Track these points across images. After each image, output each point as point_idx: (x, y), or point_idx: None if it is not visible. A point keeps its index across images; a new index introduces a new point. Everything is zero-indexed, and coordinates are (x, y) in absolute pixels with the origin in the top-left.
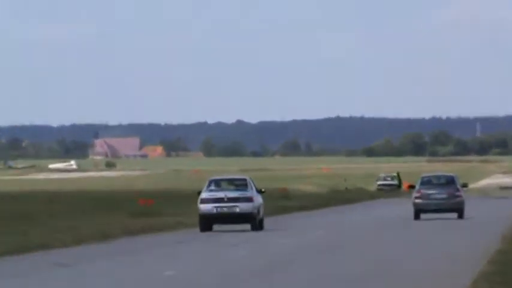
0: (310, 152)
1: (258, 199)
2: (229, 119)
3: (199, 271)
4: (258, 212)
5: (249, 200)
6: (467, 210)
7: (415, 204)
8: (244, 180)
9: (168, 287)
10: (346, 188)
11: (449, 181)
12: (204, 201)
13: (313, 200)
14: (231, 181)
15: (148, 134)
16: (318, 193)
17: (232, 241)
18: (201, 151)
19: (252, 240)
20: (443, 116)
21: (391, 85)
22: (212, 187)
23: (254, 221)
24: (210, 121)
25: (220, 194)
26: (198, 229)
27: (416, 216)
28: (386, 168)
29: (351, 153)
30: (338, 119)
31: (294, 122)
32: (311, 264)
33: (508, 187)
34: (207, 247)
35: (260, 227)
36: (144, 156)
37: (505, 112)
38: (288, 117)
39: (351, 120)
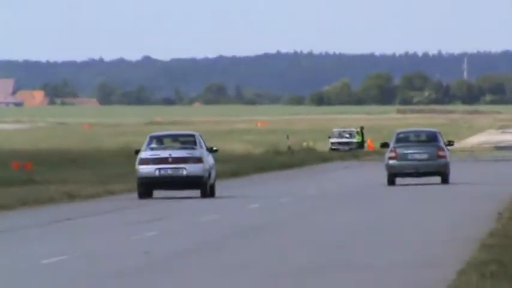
0: (241, 99)
1: (209, 160)
2: (133, 55)
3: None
4: (209, 175)
5: (199, 160)
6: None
7: (388, 167)
8: (192, 136)
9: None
10: (289, 148)
11: (431, 138)
12: (143, 161)
13: (246, 163)
14: (176, 138)
15: (25, 74)
16: (252, 154)
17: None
18: (95, 98)
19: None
20: (419, 52)
21: (348, 12)
22: (153, 145)
23: (204, 186)
24: (107, 58)
25: (164, 154)
26: (100, 200)
27: (391, 182)
28: (342, 121)
29: (295, 101)
30: (278, 56)
31: (220, 60)
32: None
33: (507, 147)
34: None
35: (211, 194)
36: (19, 104)
37: (501, 47)
38: (211, 53)
39: (296, 57)
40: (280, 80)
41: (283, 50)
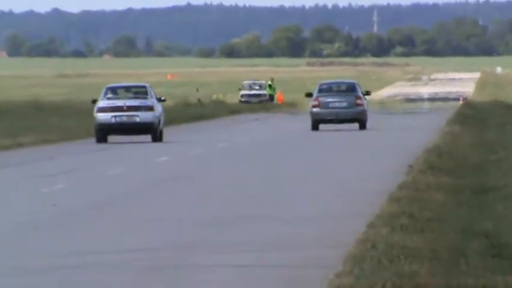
0: (150, 51)
1: (159, 108)
2: (43, 7)
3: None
4: (159, 122)
5: (150, 109)
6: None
7: (312, 114)
8: (144, 87)
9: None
10: (198, 101)
11: (350, 88)
12: (101, 110)
13: None
14: (129, 88)
15: None
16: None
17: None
18: (3, 50)
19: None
20: (329, 4)
21: None
22: (110, 95)
23: (155, 132)
24: (17, 10)
25: (119, 103)
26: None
27: (314, 127)
28: (252, 73)
29: (205, 53)
30: (188, 8)
31: (130, 12)
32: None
33: (415, 99)
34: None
35: (160, 139)
36: None
37: (411, 0)
38: (120, 6)
39: (206, 9)
40: (190, 32)
41: (194, 2)
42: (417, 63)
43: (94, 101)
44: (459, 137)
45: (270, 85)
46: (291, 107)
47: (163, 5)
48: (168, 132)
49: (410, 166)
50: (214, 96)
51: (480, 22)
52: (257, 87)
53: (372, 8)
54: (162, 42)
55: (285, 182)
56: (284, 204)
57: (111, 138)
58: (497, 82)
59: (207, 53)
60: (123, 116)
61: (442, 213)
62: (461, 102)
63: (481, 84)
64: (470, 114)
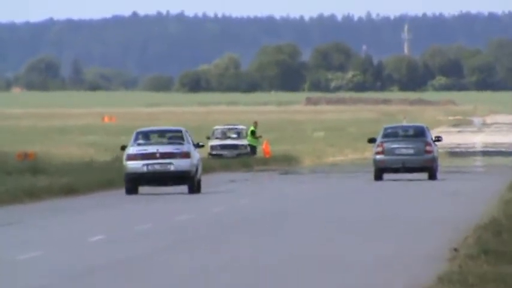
0: (79, 81)
1: (196, 155)
2: None
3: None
4: (197, 170)
5: (186, 155)
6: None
7: (376, 162)
8: (180, 131)
9: None
10: None
11: (419, 133)
12: (131, 157)
13: (86, 175)
14: (163, 133)
15: None
16: (96, 163)
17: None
18: None
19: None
20: (338, 15)
21: None
22: (140, 140)
23: (192, 181)
24: None
25: (152, 149)
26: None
27: (378, 176)
28: (227, 114)
29: (159, 85)
30: (133, 19)
31: (50, 25)
32: None
33: (463, 152)
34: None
35: (198, 190)
36: None
37: (457, 8)
38: (36, 15)
39: (160, 21)
40: (136, 55)
41: (142, 12)
42: (466, 100)
43: (123, 148)
44: None
45: (252, 131)
46: (282, 162)
47: (98, 16)
48: (101, 199)
49: (455, 249)
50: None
51: None
52: (234, 135)
53: (401, 20)
54: (96, 68)
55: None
56: None
57: (143, 189)
58: None
59: (162, 86)
60: (156, 164)
61: None
62: None
63: None
64: None
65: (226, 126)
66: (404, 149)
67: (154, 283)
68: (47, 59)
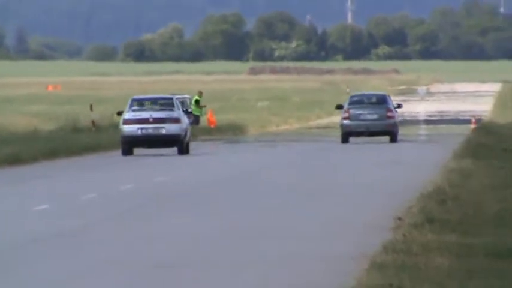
0: (23, 51)
1: (185, 120)
2: None
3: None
4: (186, 134)
5: (176, 121)
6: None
7: (343, 126)
8: (170, 99)
9: None
10: (93, 123)
11: (381, 100)
12: (127, 122)
13: (30, 145)
14: (155, 100)
15: None
16: (40, 132)
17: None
18: None
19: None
20: None
21: None
22: (135, 107)
23: (181, 144)
24: None
25: (145, 115)
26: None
27: (345, 140)
28: (171, 83)
29: (102, 54)
30: None
31: None
32: None
33: (407, 121)
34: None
35: (187, 151)
36: None
37: None
38: None
39: None
40: (80, 24)
41: None
42: (410, 69)
43: (119, 113)
44: (470, 175)
45: (196, 101)
46: (227, 131)
47: None
48: (46, 169)
49: (399, 219)
50: (115, 118)
51: (502, 10)
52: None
53: None
54: (40, 38)
55: (218, 245)
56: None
57: (137, 150)
58: None
59: (106, 55)
60: (149, 128)
61: (446, 287)
62: (473, 125)
63: (502, 100)
64: (487, 144)
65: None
66: (368, 114)
67: (93, 253)
68: None
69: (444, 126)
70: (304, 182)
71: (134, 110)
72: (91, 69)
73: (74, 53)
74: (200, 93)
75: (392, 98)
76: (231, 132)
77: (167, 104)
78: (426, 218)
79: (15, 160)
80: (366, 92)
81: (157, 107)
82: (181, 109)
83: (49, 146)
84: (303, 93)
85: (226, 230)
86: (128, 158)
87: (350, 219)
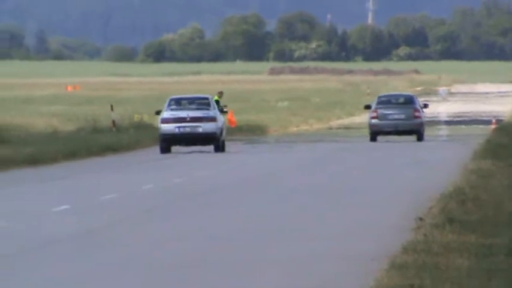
0: (43, 51)
1: (221, 119)
2: None
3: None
4: (221, 132)
5: (212, 119)
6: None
7: (371, 126)
8: (207, 99)
9: None
10: (113, 124)
11: (408, 101)
12: (165, 121)
13: (50, 145)
14: (192, 100)
15: None
16: (60, 133)
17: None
18: None
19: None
20: None
21: None
22: (173, 106)
23: (217, 142)
24: None
25: (183, 114)
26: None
27: (373, 138)
28: (191, 84)
29: (122, 55)
30: None
31: None
32: None
33: (428, 122)
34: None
35: (222, 149)
36: None
37: None
38: None
39: None
40: (100, 24)
41: None
42: (431, 69)
43: (158, 112)
44: (491, 176)
45: (216, 101)
46: (248, 132)
47: None
48: (65, 170)
49: (420, 219)
50: (136, 117)
51: None
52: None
53: None
54: (60, 38)
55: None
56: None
57: (175, 148)
58: None
59: (126, 55)
60: (187, 127)
61: (466, 287)
62: (493, 126)
63: None
64: (507, 144)
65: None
66: (396, 114)
67: (114, 254)
68: (10, 28)
69: (465, 126)
70: (326, 183)
71: (172, 109)
72: (110, 70)
73: (93, 54)
74: (220, 94)
75: None
76: (251, 132)
77: (204, 103)
78: (446, 218)
79: (34, 160)
80: (393, 93)
81: (194, 106)
82: (217, 108)
83: (68, 146)
84: (323, 94)
85: (255, 230)
86: (148, 155)
87: (371, 220)
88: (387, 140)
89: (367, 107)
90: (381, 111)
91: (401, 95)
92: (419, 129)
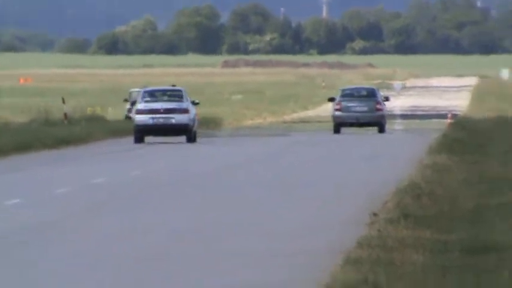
0: None
1: (193, 111)
2: None
3: None
4: (194, 124)
5: (185, 111)
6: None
7: (335, 117)
8: (180, 91)
9: None
10: (65, 116)
11: (370, 94)
12: (140, 111)
13: (2, 138)
14: (165, 92)
15: None
16: (11, 125)
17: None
18: None
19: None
20: None
21: None
22: (147, 98)
23: (190, 133)
24: None
25: (156, 105)
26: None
27: (336, 130)
28: (145, 77)
29: (74, 47)
30: None
31: None
32: None
33: (408, 114)
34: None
35: (194, 139)
36: None
37: None
38: None
39: None
40: (53, 16)
41: None
42: (385, 63)
43: (132, 103)
44: (446, 171)
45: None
46: (201, 125)
47: None
48: (17, 163)
49: (374, 214)
50: (89, 110)
51: (478, 4)
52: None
53: None
54: (12, 29)
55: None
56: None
57: (148, 139)
58: (502, 92)
59: (79, 47)
60: (160, 118)
61: (420, 283)
62: (449, 120)
63: (478, 95)
64: (463, 138)
65: (142, 89)
66: (358, 107)
67: (64, 248)
68: None
69: (420, 121)
70: (281, 176)
71: (146, 101)
72: (63, 62)
73: (46, 46)
74: (173, 87)
75: None
76: (205, 126)
77: (176, 95)
78: (401, 213)
79: None
80: (356, 86)
81: (167, 98)
82: (189, 100)
83: (20, 139)
84: (278, 87)
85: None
86: (101, 148)
87: (325, 214)
88: (349, 132)
89: (331, 99)
90: (345, 103)
91: (363, 88)
92: (381, 121)
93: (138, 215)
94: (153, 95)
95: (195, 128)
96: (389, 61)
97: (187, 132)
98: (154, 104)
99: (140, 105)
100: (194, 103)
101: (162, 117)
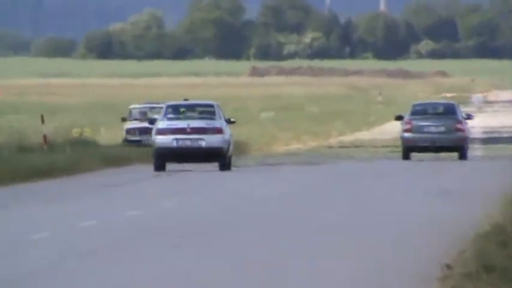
0: None
1: (228, 131)
2: None
3: None
4: (228, 147)
5: (218, 131)
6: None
7: (404, 140)
8: (211, 106)
9: None
10: (45, 139)
11: (449, 111)
12: (161, 132)
13: None
14: (194, 107)
15: None
16: None
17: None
18: None
19: None
20: None
21: None
22: (170, 115)
23: (224, 159)
24: None
25: (182, 124)
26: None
27: (406, 156)
28: (149, 89)
29: (57, 50)
30: None
31: None
32: None
33: (490, 138)
34: None
35: (228, 167)
36: None
37: None
38: None
39: None
40: (28, 10)
41: None
42: (461, 70)
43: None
44: None
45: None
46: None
47: None
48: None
49: (448, 266)
50: (75, 132)
51: None
52: (156, 116)
53: None
54: None
55: None
56: None
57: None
58: None
59: (62, 50)
60: (187, 140)
61: None
62: None
63: None
64: None
65: (146, 105)
66: (434, 127)
67: None
68: None
69: (505, 146)
70: (334, 217)
71: (169, 119)
72: (42, 69)
73: (20, 48)
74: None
75: None
76: None
77: (207, 111)
78: (482, 265)
79: None
80: (430, 101)
81: (196, 115)
82: (223, 118)
83: None
84: (322, 102)
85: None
86: (91, 182)
87: (387, 266)
88: (422, 158)
89: (399, 117)
90: (416, 122)
91: (440, 104)
92: (462, 145)
93: (137, 268)
94: (178, 110)
95: (230, 153)
96: (466, 68)
97: (220, 157)
98: (179, 122)
99: (162, 124)
100: (229, 121)
101: (189, 139)
